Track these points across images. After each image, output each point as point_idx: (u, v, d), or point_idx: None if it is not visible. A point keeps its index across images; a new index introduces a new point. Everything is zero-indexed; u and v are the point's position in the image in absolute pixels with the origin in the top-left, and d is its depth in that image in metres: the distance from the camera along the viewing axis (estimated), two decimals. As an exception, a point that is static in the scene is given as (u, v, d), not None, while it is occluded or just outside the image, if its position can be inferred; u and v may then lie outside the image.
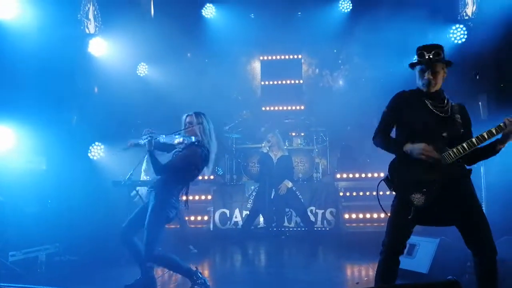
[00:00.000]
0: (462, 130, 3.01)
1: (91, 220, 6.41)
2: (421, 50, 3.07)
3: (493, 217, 4.43)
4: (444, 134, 2.97)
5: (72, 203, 6.29)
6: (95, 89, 7.14)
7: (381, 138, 3.14)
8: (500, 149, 2.93)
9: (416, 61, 3.09)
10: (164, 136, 4.07)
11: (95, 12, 7.69)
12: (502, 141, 2.89)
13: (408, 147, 2.98)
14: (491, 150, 2.96)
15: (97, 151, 7.23)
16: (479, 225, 2.91)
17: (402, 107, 3.11)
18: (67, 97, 6.83)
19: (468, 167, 3.05)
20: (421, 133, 3.01)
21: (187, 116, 4.29)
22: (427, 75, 3.03)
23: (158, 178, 4.15)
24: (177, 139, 4.06)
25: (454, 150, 2.93)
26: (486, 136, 2.87)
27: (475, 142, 2.90)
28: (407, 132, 3.10)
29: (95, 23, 7.66)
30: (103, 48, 7.31)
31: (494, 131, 2.86)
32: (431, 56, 3.02)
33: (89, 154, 7.18)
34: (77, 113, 7.23)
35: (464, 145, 2.92)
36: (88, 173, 6.95)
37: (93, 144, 7.23)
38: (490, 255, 2.88)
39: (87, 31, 7.52)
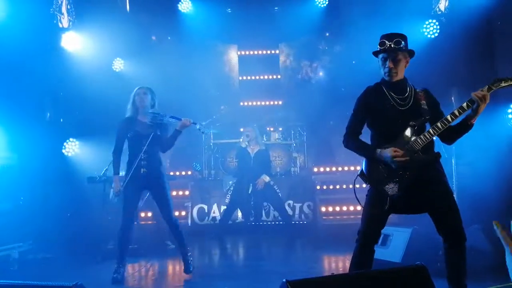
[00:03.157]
0: (428, 117, 3.07)
1: (66, 217, 6.32)
2: (383, 39, 3.11)
3: (463, 206, 4.57)
4: (412, 123, 3.03)
5: (46, 199, 6.18)
6: (62, 82, 6.97)
7: (351, 142, 3.19)
8: (473, 123, 2.96)
9: (378, 49, 3.12)
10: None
11: (69, 6, 7.54)
12: (474, 115, 2.91)
13: (378, 153, 3.03)
14: (465, 126, 2.99)
15: (72, 147, 7.11)
16: (449, 212, 2.97)
17: (368, 104, 3.16)
18: (40, 93, 6.69)
19: (436, 152, 3.09)
20: (389, 127, 3.08)
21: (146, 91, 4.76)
22: (388, 64, 3.08)
23: (156, 159, 4.63)
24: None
25: (421, 136, 2.99)
26: (449, 119, 2.93)
27: (440, 126, 2.95)
28: (376, 129, 3.18)
29: (69, 17, 7.51)
30: (77, 42, 7.17)
31: (456, 112, 2.92)
32: (392, 44, 3.06)
33: (63, 151, 7.05)
34: (50, 108, 7.10)
35: (431, 130, 2.98)
36: (63, 170, 6.83)
37: (67, 140, 7.10)
38: (459, 241, 2.95)
39: (60, 25, 7.37)
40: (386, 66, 3.09)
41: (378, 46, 3.12)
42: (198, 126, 4.62)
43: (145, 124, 4.64)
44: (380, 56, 3.13)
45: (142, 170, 4.54)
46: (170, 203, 4.65)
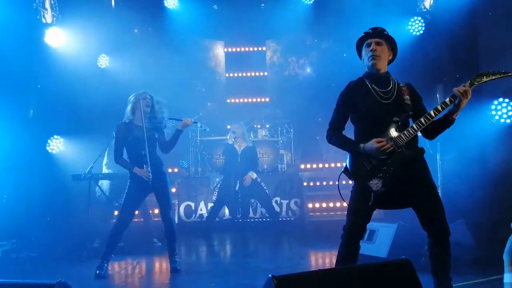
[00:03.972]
0: (411, 113, 3.09)
1: (51, 215, 6.24)
2: (367, 30, 3.17)
3: (448, 202, 4.62)
4: (395, 119, 3.04)
5: (29, 198, 6.09)
6: (46, 78, 6.86)
7: (334, 138, 3.20)
8: (455, 118, 2.98)
9: (363, 34, 3.17)
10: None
11: (52, 1, 7.43)
12: (456, 110, 2.93)
13: (361, 148, 3.04)
14: (447, 121, 3.00)
15: (56, 145, 7.01)
16: (433, 207, 3.00)
17: (351, 99, 3.18)
18: (23, 89, 6.58)
19: (420, 147, 3.12)
20: (372, 121, 3.09)
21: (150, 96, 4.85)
22: (372, 47, 3.10)
23: (157, 160, 4.77)
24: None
25: (405, 132, 3.00)
26: (433, 114, 2.96)
27: (424, 122, 2.97)
28: (359, 124, 3.19)
29: (52, 13, 7.40)
30: (60, 38, 7.07)
31: (439, 107, 2.94)
32: (376, 31, 3.14)
33: (47, 148, 6.95)
34: (34, 105, 6.99)
35: (414, 126, 3.00)
36: (47, 167, 6.74)
37: (51, 137, 7.00)
38: (443, 236, 2.98)
39: (43, 20, 7.26)
40: (370, 49, 3.11)
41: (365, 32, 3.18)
42: (199, 125, 4.84)
43: (142, 127, 4.70)
44: (364, 44, 3.16)
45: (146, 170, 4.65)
46: (171, 202, 4.81)
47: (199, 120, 8.80)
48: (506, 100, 5.17)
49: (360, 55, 3.26)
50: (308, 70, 10.01)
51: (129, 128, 4.71)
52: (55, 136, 7.03)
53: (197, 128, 4.78)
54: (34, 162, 6.49)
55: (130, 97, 4.84)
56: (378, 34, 3.13)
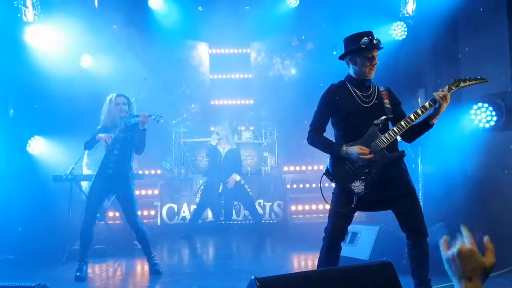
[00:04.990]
0: (391, 116, 3.14)
1: (30, 216, 6.11)
2: (367, 36, 3.05)
3: (429, 205, 4.70)
4: (376, 122, 3.08)
5: (8, 199, 5.96)
6: (26, 77, 6.73)
7: (316, 139, 3.21)
8: (434, 123, 3.03)
9: (365, 46, 3.04)
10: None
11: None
12: (435, 114, 2.98)
13: (344, 151, 3.05)
14: (427, 125, 3.06)
15: (37, 145, 6.88)
16: (411, 209, 3.06)
17: (332, 102, 3.19)
18: (2, 88, 6.46)
19: (400, 150, 3.17)
20: (353, 124, 3.12)
21: (118, 96, 4.83)
22: (375, 61, 3.11)
23: (125, 163, 4.72)
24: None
25: (386, 135, 3.05)
26: (413, 118, 3.02)
27: (404, 125, 3.02)
28: (340, 127, 3.21)
29: (34, 11, 7.29)
30: (42, 37, 6.96)
31: (419, 111, 3.00)
32: (375, 42, 3.08)
33: (27, 148, 6.82)
34: (14, 105, 6.85)
35: (395, 129, 3.05)
36: (27, 168, 6.59)
37: (31, 138, 6.87)
38: (421, 237, 3.04)
39: (24, 19, 7.14)
40: (374, 63, 3.10)
41: (365, 42, 3.03)
42: (153, 117, 4.67)
43: (116, 128, 4.73)
44: (365, 54, 3.08)
45: (109, 171, 4.67)
46: (136, 207, 4.73)
47: (182, 122, 8.85)
48: (485, 105, 5.26)
49: (347, 53, 3.18)
50: (293, 71, 10.04)
51: (106, 129, 4.78)
52: (35, 137, 6.89)
53: (152, 120, 4.72)
54: (13, 162, 6.36)
55: (106, 98, 4.87)
56: (379, 47, 3.10)
